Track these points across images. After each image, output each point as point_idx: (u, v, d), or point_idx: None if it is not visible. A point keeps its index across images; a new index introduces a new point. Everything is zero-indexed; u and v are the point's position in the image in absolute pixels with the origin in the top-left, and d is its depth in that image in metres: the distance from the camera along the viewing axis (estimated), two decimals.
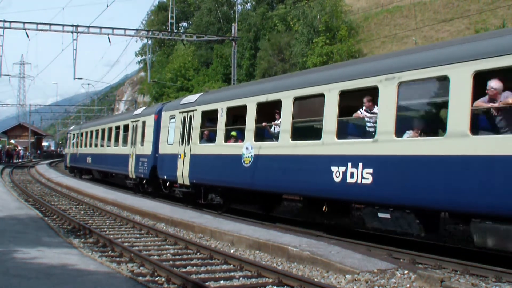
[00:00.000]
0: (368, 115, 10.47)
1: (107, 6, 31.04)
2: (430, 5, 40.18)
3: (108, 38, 30.57)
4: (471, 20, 34.10)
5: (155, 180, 20.14)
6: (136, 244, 11.45)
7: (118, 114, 33.21)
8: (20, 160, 68.09)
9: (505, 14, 32.04)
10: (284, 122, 12.45)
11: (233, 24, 37.24)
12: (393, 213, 9.74)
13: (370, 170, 9.88)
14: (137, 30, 36.55)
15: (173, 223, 13.98)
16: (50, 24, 29.43)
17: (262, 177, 13.09)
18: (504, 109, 8.22)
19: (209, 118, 16.38)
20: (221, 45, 53.95)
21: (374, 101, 10.30)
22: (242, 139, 14.16)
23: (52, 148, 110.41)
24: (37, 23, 29.42)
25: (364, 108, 10.72)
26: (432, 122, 9.90)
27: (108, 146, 28.12)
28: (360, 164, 10.07)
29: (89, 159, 31.94)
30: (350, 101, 10.95)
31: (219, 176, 15.21)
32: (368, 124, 10.61)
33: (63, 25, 29.96)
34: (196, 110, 16.94)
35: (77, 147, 36.60)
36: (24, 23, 29.24)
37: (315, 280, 7.90)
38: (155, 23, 71.81)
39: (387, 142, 9.62)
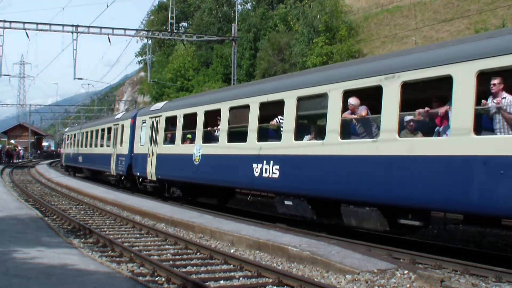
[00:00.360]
0: (281, 122, 12.85)
1: (107, 6, 31.09)
2: (430, 5, 40.18)
3: (108, 38, 30.63)
4: (471, 20, 34.10)
5: (131, 177, 22.60)
6: (136, 244, 11.45)
7: (104, 117, 37.53)
8: (20, 160, 68.08)
9: (505, 14, 32.05)
10: (222, 127, 15.08)
11: (233, 24, 37.25)
12: (294, 201, 12.19)
13: (278, 167, 12.34)
14: (137, 30, 36.58)
15: (173, 223, 13.99)
16: (50, 24, 29.45)
17: (206, 173, 15.70)
18: (361, 120, 10.54)
19: (172, 123, 18.76)
20: (221, 45, 53.96)
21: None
22: (194, 141, 16.69)
23: (52, 148, 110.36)
24: (37, 23, 29.44)
25: (280, 116, 13.08)
26: (320, 130, 11.88)
27: (95, 146, 30.56)
28: (271, 162, 12.58)
29: (80, 159, 34.61)
30: (268, 111, 13.56)
31: (177, 172, 17.90)
32: (281, 129, 12.84)
33: (63, 25, 29.99)
34: (161, 116, 19.65)
35: (70, 147, 39.39)
36: (24, 23, 29.25)
37: (315, 280, 7.90)
38: (155, 23, 71.86)
39: (289, 144, 12.13)
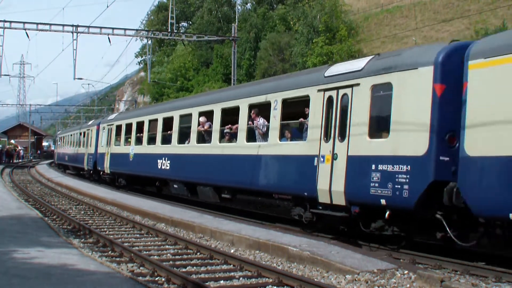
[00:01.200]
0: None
1: (107, 6, 30.98)
2: (430, 5, 40.19)
3: (108, 38, 30.60)
4: (471, 20, 34.12)
5: (96, 171, 28.74)
6: (136, 244, 11.46)
7: (84, 124, 44.62)
8: (20, 160, 68.02)
9: (505, 14, 32.07)
10: (144, 134, 21.33)
11: (233, 24, 37.23)
12: (179, 184, 18.11)
13: (169, 162, 18.36)
14: (137, 30, 36.54)
15: (173, 223, 13.99)
16: (50, 24, 29.42)
17: (137, 167, 22.17)
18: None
19: (120, 129, 24.97)
20: (221, 45, 53.93)
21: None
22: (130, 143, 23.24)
23: (52, 148, 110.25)
24: (37, 23, 29.42)
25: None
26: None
27: (76, 147, 37.13)
28: (166, 158, 18.59)
29: (66, 157, 42.59)
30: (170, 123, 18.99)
31: (121, 167, 24.38)
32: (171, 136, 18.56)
33: (63, 25, 29.96)
34: (113, 124, 26.06)
35: (60, 148, 47.99)
36: (24, 23, 29.23)
37: (315, 280, 7.90)
38: (155, 23, 71.75)
39: (175, 147, 18.05)
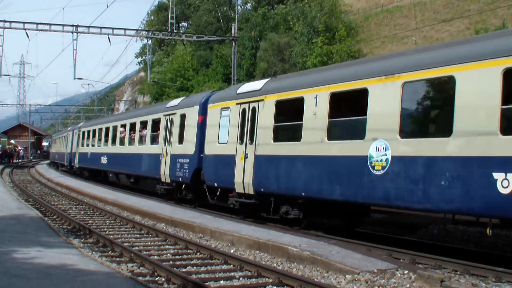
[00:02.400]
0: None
1: (107, 6, 30.96)
2: (430, 5, 40.19)
3: (108, 38, 30.53)
4: (471, 20, 34.11)
5: (71, 166, 37.12)
6: (136, 244, 11.45)
7: (66, 128, 55.26)
8: (20, 160, 67.90)
9: (505, 14, 32.06)
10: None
11: (233, 24, 37.22)
12: (113, 174, 25.60)
13: (106, 158, 25.43)
14: (137, 30, 36.52)
15: (173, 223, 13.99)
16: (50, 24, 29.37)
17: (93, 162, 29.69)
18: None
19: (84, 135, 33.32)
20: (221, 45, 53.91)
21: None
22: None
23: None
24: (37, 23, 29.37)
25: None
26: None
27: (61, 147, 45.13)
28: (105, 155, 25.12)
29: (56, 156, 50.98)
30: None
31: (84, 163, 32.58)
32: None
33: (63, 25, 29.89)
34: (80, 130, 34.60)
35: (53, 148, 57.29)
36: (24, 23, 29.18)
37: (315, 280, 7.90)
38: (155, 23, 71.76)
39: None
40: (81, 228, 13.10)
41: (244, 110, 14.07)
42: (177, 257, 10.13)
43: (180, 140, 17.56)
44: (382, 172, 9.48)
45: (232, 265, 9.23)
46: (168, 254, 10.41)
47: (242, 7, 59.07)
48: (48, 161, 65.52)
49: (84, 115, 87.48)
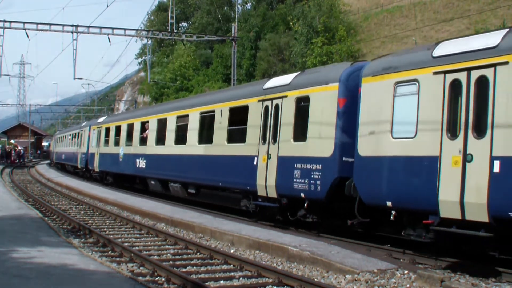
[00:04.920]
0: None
1: (107, 6, 31.01)
2: (430, 5, 40.15)
3: (108, 38, 30.55)
4: (471, 20, 34.09)
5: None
6: (136, 244, 11.45)
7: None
8: (20, 160, 67.61)
9: (505, 14, 32.04)
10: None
11: (233, 24, 37.21)
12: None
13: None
14: (137, 30, 36.50)
15: (173, 223, 13.98)
16: (50, 24, 29.38)
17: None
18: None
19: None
20: (221, 45, 53.90)
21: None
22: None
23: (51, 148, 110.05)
24: (37, 23, 29.38)
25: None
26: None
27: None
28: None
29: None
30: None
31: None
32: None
33: (63, 25, 29.91)
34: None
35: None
36: (24, 23, 29.19)
37: (315, 280, 7.90)
38: (155, 23, 71.72)
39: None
40: (81, 228, 13.10)
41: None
42: (177, 257, 10.14)
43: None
44: None
45: (232, 265, 9.24)
46: (168, 254, 10.41)
47: (242, 6, 59.08)
48: (48, 161, 65.48)
49: (84, 115, 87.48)
